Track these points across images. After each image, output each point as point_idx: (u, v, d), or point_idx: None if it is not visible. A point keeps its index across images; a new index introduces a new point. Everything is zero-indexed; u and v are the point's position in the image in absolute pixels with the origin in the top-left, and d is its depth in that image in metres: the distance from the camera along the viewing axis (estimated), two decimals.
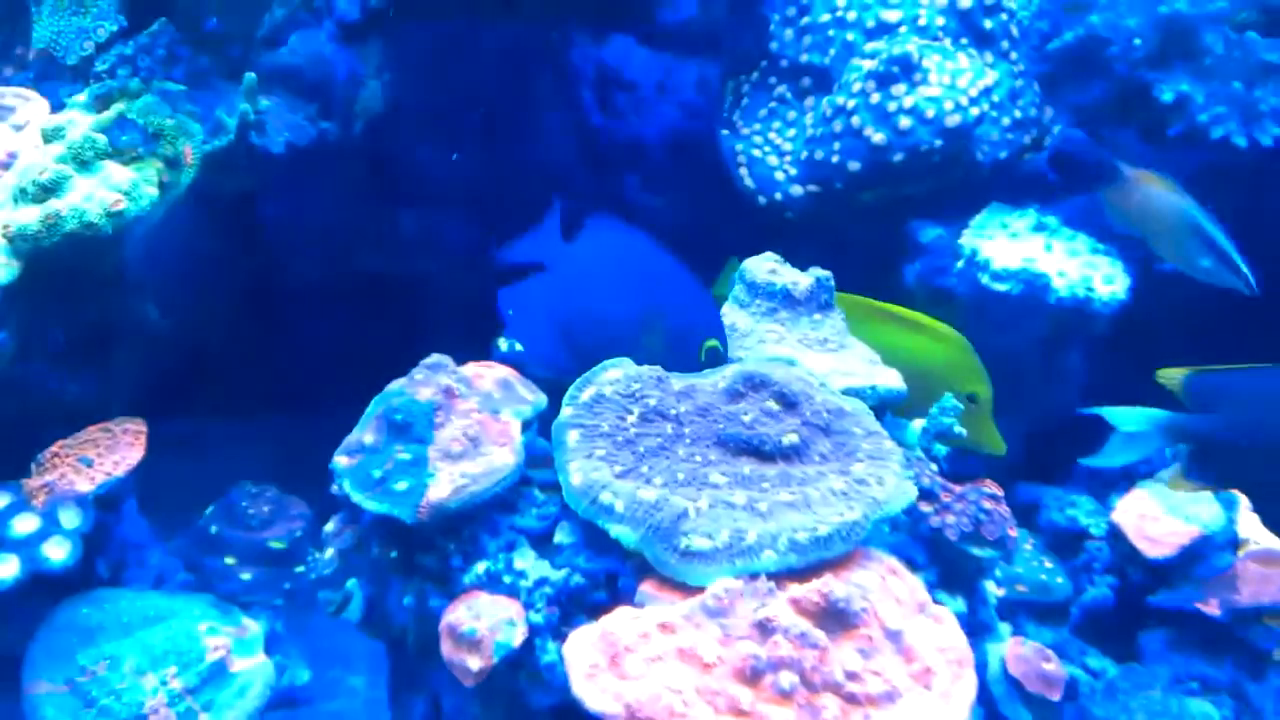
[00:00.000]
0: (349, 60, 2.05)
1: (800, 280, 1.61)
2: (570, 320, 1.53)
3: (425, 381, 1.42)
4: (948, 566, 1.40)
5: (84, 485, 1.48)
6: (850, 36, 2.03)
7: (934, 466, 1.46)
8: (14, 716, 1.38)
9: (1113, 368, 1.90)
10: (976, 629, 1.43)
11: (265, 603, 1.58)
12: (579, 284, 1.55)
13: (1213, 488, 1.58)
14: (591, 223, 1.60)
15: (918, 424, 1.52)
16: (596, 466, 1.29)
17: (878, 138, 1.88)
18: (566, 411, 1.36)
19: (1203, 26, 1.80)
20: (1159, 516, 1.66)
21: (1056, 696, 1.40)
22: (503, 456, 1.34)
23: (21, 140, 1.67)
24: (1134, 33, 1.83)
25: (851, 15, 2.04)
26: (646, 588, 1.21)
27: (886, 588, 1.20)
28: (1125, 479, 1.74)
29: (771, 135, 2.08)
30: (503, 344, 1.58)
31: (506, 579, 1.29)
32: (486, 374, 1.47)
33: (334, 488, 1.36)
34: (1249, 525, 1.67)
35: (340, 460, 1.36)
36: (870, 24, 2.03)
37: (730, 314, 1.59)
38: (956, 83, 1.90)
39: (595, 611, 1.22)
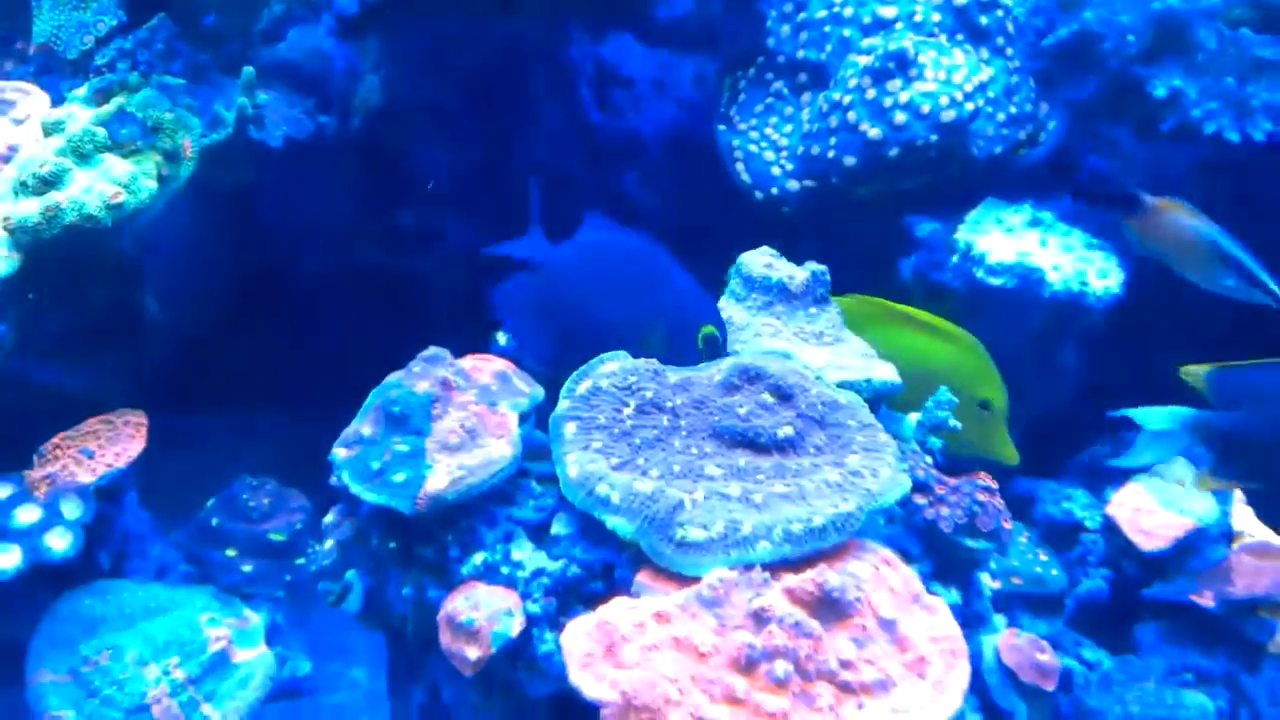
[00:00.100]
0: (347, 55, 2.06)
1: (796, 274, 1.62)
2: (566, 317, 1.53)
3: (423, 374, 1.43)
4: (942, 558, 1.41)
5: (85, 476, 1.49)
6: (847, 32, 2.04)
7: (929, 459, 1.47)
8: (18, 705, 1.39)
9: (1108, 362, 1.91)
10: (971, 620, 1.44)
11: (266, 594, 1.59)
12: (573, 281, 1.56)
13: (1239, 484, 1.58)
14: (584, 221, 1.61)
15: (913, 417, 1.53)
16: (593, 458, 1.30)
17: (873, 133, 1.89)
18: (563, 404, 1.37)
19: (1195, 22, 1.81)
20: (1154, 510, 1.67)
21: (1051, 687, 1.41)
22: (500, 448, 1.35)
23: (22, 134, 1.68)
24: (1127, 29, 1.84)
25: (848, 11, 2.05)
26: (643, 578, 1.22)
27: (881, 578, 1.21)
28: (1120, 473, 1.75)
29: (768, 131, 2.08)
30: (501, 338, 1.59)
31: (504, 570, 1.30)
32: (484, 367, 1.47)
33: (333, 479, 1.37)
34: (1243, 518, 1.69)
35: (339, 452, 1.37)
36: (866, 20, 2.03)
37: (726, 308, 1.60)
38: (952, 78, 1.90)
39: (592, 602, 1.23)
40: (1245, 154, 1.80)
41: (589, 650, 1.13)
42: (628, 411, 1.36)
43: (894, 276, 1.94)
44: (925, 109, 1.87)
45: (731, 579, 1.17)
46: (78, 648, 1.41)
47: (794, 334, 1.58)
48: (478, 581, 1.30)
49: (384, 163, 2.07)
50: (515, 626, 1.25)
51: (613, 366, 1.41)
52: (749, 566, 1.18)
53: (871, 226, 1.96)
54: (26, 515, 1.44)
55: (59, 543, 1.43)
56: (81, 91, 1.66)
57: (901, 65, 1.90)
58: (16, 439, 1.56)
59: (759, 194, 2.03)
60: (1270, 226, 1.73)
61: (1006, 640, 1.42)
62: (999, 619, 1.48)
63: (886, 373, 1.50)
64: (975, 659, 1.43)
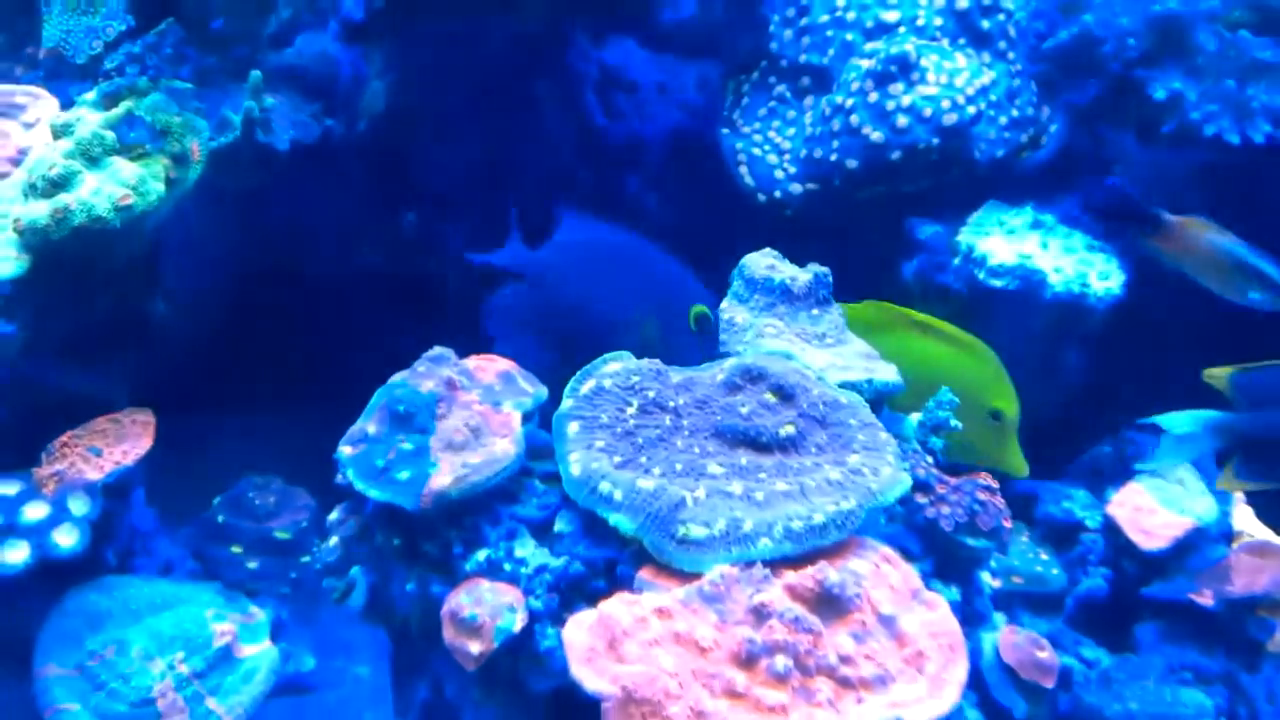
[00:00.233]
0: (353, 60, 2.07)
1: (799, 276, 1.63)
2: (558, 323, 1.55)
3: (428, 374, 1.44)
4: (943, 557, 1.42)
5: (93, 474, 1.50)
6: (849, 37, 2.05)
7: (929, 459, 1.48)
8: (25, 698, 1.41)
9: (1109, 363, 1.92)
10: (971, 618, 1.45)
11: (271, 591, 1.60)
12: (559, 286, 1.57)
13: (1264, 485, 1.59)
14: (560, 222, 1.62)
15: (915, 417, 1.53)
16: (596, 457, 1.31)
17: (876, 136, 1.90)
18: (567, 403, 1.38)
19: (1195, 25, 1.82)
20: (1154, 509, 1.67)
21: (1050, 684, 1.42)
22: (504, 447, 1.36)
23: (32, 138, 1.69)
24: (1128, 31, 1.85)
25: (850, 16, 2.07)
26: (645, 575, 1.23)
27: (880, 575, 1.22)
28: (1120, 470, 1.76)
29: (771, 134, 2.10)
30: None
31: (507, 566, 1.31)
32: (488, 367, 1.49)
33: (338, 477, 1.38)
34: (1243, 518, 1.69)
35: (344, 450, 1.38)
36: (869, 24, 2.05)
37: (729, 309, 1.61)
38: (954, 82, 1.92)
39: (594, 598, 1.23)
40: (1246, 157, 1.81)
41: (591, 645, 1.14)
42: (630, 411, 1.37)
43: (896, 278, 1.95)
44: (927, 112, 1.89)
45: (733, 575, 1.18)
46: (84, 642, 1.43)
47: (796, 335, 1.58)
48: (481, 578, 1.31)
49: (389, 167, 2.08)
50: (518, 622, 1.26)
51: (615, 366, 1.42)
52: (750, 563, 1.20)
53: (874, 229, 1.97)
54: (34, 512, 1.46)
55: (66, 539, 1.44)
56: (90, 95, 1.67)
57: (904, 69, 1.92)
58: (26, 438, 1.58)
59: (762, 197, 2.04)
60: (1272, 230, 1.75)
61: (1006, 637, 1.43)
62: (999, 617, 1.49)
63: (888, 373, 1.51)
64: (975, 656, 1.44)
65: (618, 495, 1.26)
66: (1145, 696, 1.50)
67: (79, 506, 1.47)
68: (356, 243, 2.08)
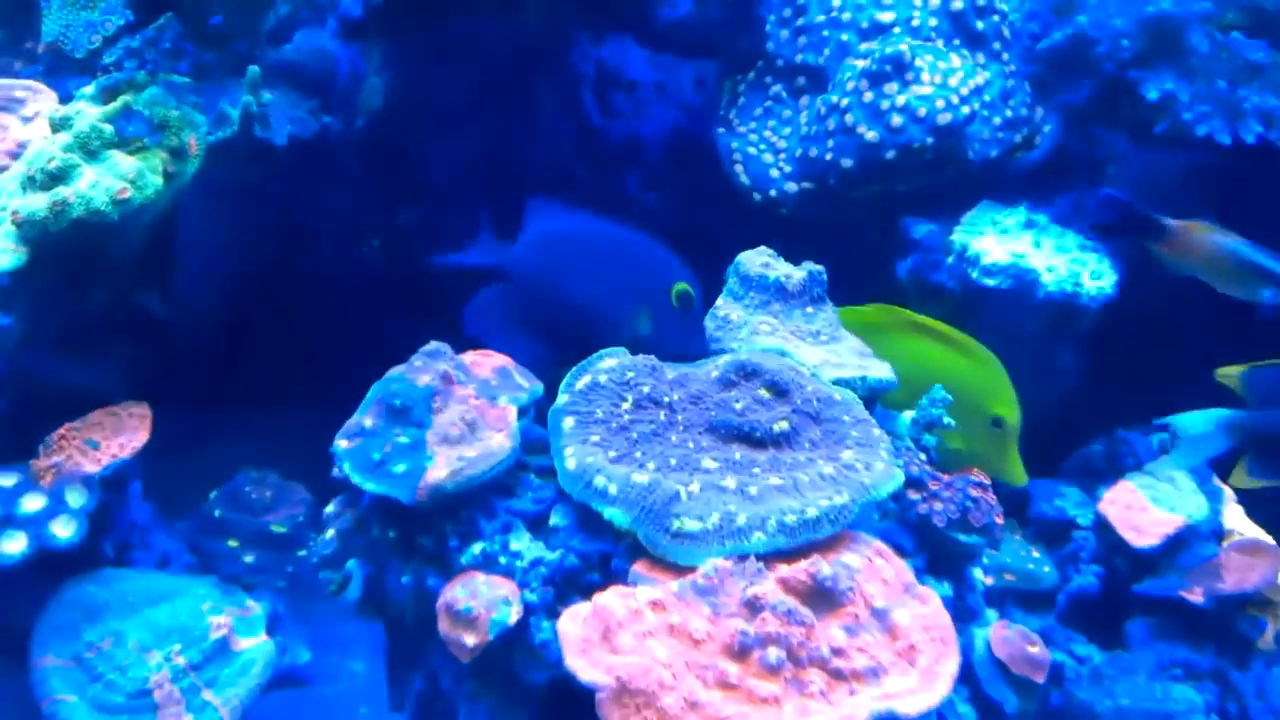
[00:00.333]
0: (351, 57, 2.08)
1: (793, 274, 1.63)
2: (542, 317, 1.55)
3: (424, 368, 1.45)
4: (935, 553, 1.43)
5: (90, 467, 1.51)
6: (845, 37, 2.06)
7: (922, 456, 1.49)
8: (22, 688, 1.41)
9: (1102, 363, 1.93)
10: (964, 614, 1.46)
11: (267, 585, 1.61)
12: (538, 280, 1.57)
13: (1276, 483, 1.59)
14: (530, 213, 1.62)
15: (908, 415, 1.54)
16: (591, 451, 1.32)
17: (870, 135, 1.91)
18: (562, 399, 1.39)
19: (1188, 27, 1.83)
20: (1145, 507, 1.68)
21: (1041, 679, 1.43)
22: (499, 441, 1.37)
23: (31, 132, 1.70)
24: (1121, 33, 1.87)
25: (846, 16, 2.08)
26: (639, 568, 1.24)
27: (873, 569, 1.22)
28: (1112, 471, 1.77)
29: (767, 133, 2.11)
30: None
31: (502, 560, 1.31)
32: (484, 362, 1.49)
33: (335, 471, 1.39)
34: (1234, 517, 1.70)
35: (341, 443, 1.39)
36: (864, 25, 2.06)
37: (724, 306, 1.62)
38: (948, 82, 1.93)
39: (589, 591, 1.24)
40: (1238, 158, 1.82)
41: (585, 636, 1.15)
42: (625, 406, 1.38)
43: (890, 277, 1.96)
44: (922, 112, 1.90)
45: (726, 568, 1.19)
46: (81, 634, 1.43)
47: (791, 332, 1.59)
48: (476, 571, 1.31)
49: (387, 163, 2.09)
50: (513, 614, 1.26)
51: (611, 363, 1.43)
52: (743, 557, 1.20)
53: (869, 228, 1.98)
54: (32, 503, 1.46)
55: (64, 530, 1.45)
56: (89, 90, 1.68)
57: (898, 69, 1.93)
58: (23, 430, 1.58)
59: (757, 195, 2.05)
60: (1266, 232, 1.76)
61: (997, 632, 1.44)
62: (991, 614, 1.50)
63: (882, 371, 1.51)
64: (967, 652, 1.45)
65: (612, 489, 1.27)
66: (1136, 692, 1.51)
67: (76, 499, 1.47)
68: (354, 239, 2.08)
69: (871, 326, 1.66)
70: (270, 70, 1.85)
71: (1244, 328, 1.74)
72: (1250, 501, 1.72)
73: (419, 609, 1.35)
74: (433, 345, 1.48)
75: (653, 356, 1.46)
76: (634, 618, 1.16)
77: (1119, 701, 1.50)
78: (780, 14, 2.16)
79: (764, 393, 1.39)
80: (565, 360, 1.42)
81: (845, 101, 1.95)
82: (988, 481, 1.47)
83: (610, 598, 1.18)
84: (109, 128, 1.56)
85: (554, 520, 1.34)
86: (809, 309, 1.62)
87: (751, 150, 2.09)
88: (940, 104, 1.90)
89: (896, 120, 1.90)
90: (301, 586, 1.66)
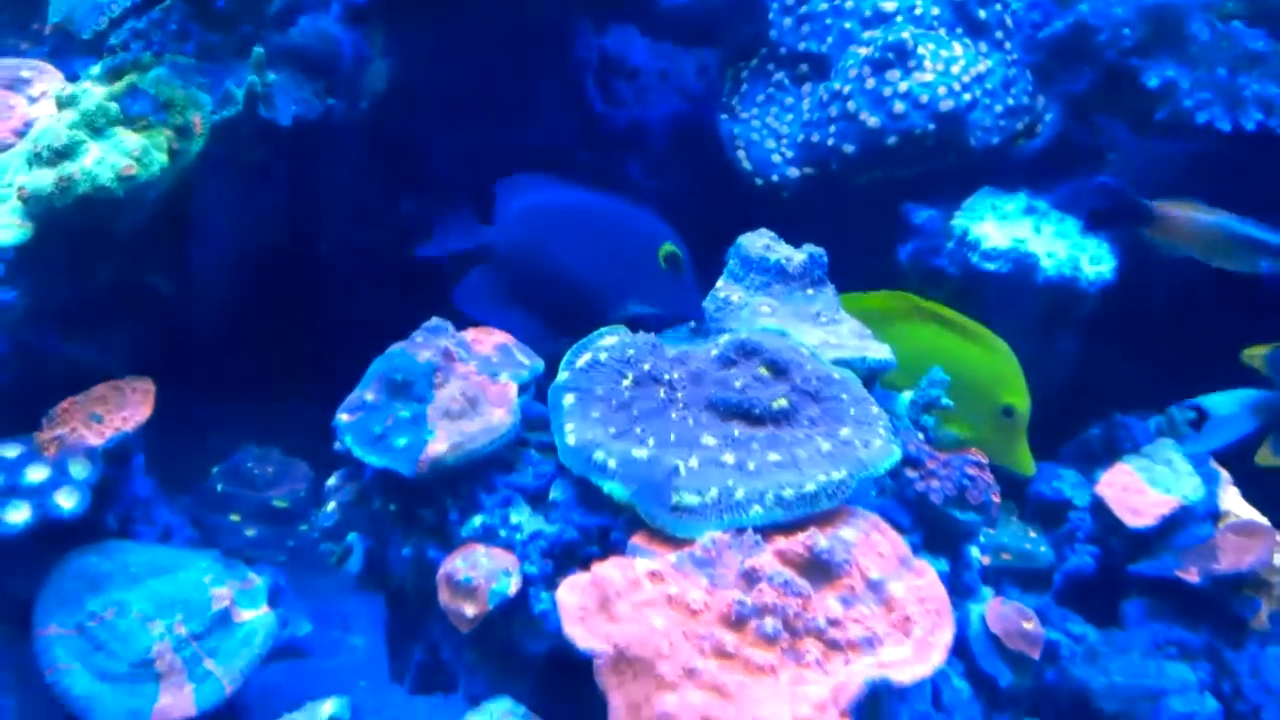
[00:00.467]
0: (355, 41, 2.09)
1: (794, 256, 1.64)
2: (534, 292, 1.56)
3: (425, 344, 1.46)
4: (932, 530, 1.44)
5: (93, 439, 1.52)
6: (848, 25, 2.07)
7: (920, 435, 1.49)
8: (26, 657, 1.43)
9: (1102, 348, 1.94)
10: (960, 591, 1.47)
11: (269, 559, 1.62)
12: (526, 255, 1.57)
13: None
14: (502, 191, 1.63)
15: (907, 395, 1.55)
16: (592, 427, 1.33)
17: (872, 121, 1.92)
18: (563, 376, 1.40)
19: (1189, 15, 1.84)
20: (1142, 488, 1.69)
21: (1036, 654, 1.44)
22: (500, 416, 1.38)
23: (37, 111, 1.72)
24: (1122, 21, 1.88)
25: (849, 4, 2.09)
26: (638, 541, 1.25)
27: (870, 542, 1.23)
28: (1109, 453, 1.78)
29: (769, 120, 2.12)
30: None
31: (502, 533, 1.32)
32: (485, 339, 1.50)
33: (336, 444, 1.40)
34: (1231, 499, 1.71)
35: (342, 417, 1.40)
36: (867, 13, 2.07)
37: (725, 288, 1.63)
38: (950, 69, 1.94)
39: (588, 564, 1.25)
40: (1238, 145, 1.83)
41: (583, 605, 1.16)
42: (626, 383, 1.39)
43: (891, 262, 1.97)
44: (924, 99, 1.91)
45: (724, 541, 1.20)
46: (85, 604, 1.45)
47: (791, 314, 1.60)
48: (477, 543, 1.32)
49: (391, 146, 2.10)
50: (513, 585, 1.27)
51: (611, 340, 1.44)
52: (741, 530, 1.21)
53: (870, 213, 1.99)
54: (36, 474, 1.48)
55: (67, 501, 1.46)
56: (95, 69, 1.69)
57: (901, 56, 1.94)
58: (28, 404, 1.59)
59: (759, 181, 2.06)
60: (1268, 219, 1.77)
61: (993, 608, 1.45)
62: (987, 591, 1.51)
63: (881, 352, 1.52)
64: (963, 628, 1.46)
65: (612, 464, 1.28)
66: (1130, 670, 1.52)
67: (79, 470, 1.49)
68: (357, 220, 2.09)
69: (882, 313, 1.66)
70: (275, 53, 1.86)
71: (1243, 313, 1.76)
72: (1247, 484, 1.73)
73: (419, 581, 1.36)
74: (434, 321, 1.50)
75: (653, 334, 1.47)
76: (632, 588, 1.17)
77: (1113, 679, 1.50)
78: (783, 1, 2.17)
79: (763, 371, 1.40)
80: (561, 333, 1.43)
81: (848, 88, 1.96)
82: (985, 460, 1.48)
83: (608, 568, 1.19)
84: (115, 106, 1.57)
85: (554, 495, 1.35)
86: (809, 291, 1.63)
87: (754, 136, 2.10)
88: (942, 91, 1.91)
89: (899, 107, 1.91)
90: (303, 560, 1.67)
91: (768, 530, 1.22)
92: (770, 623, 1.14)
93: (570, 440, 1.32)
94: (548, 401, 1.39)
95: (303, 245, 2.02)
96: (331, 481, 1.44)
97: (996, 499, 1.46)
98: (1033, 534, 1.74)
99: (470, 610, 1.27)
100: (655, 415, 1.36)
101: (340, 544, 1.41)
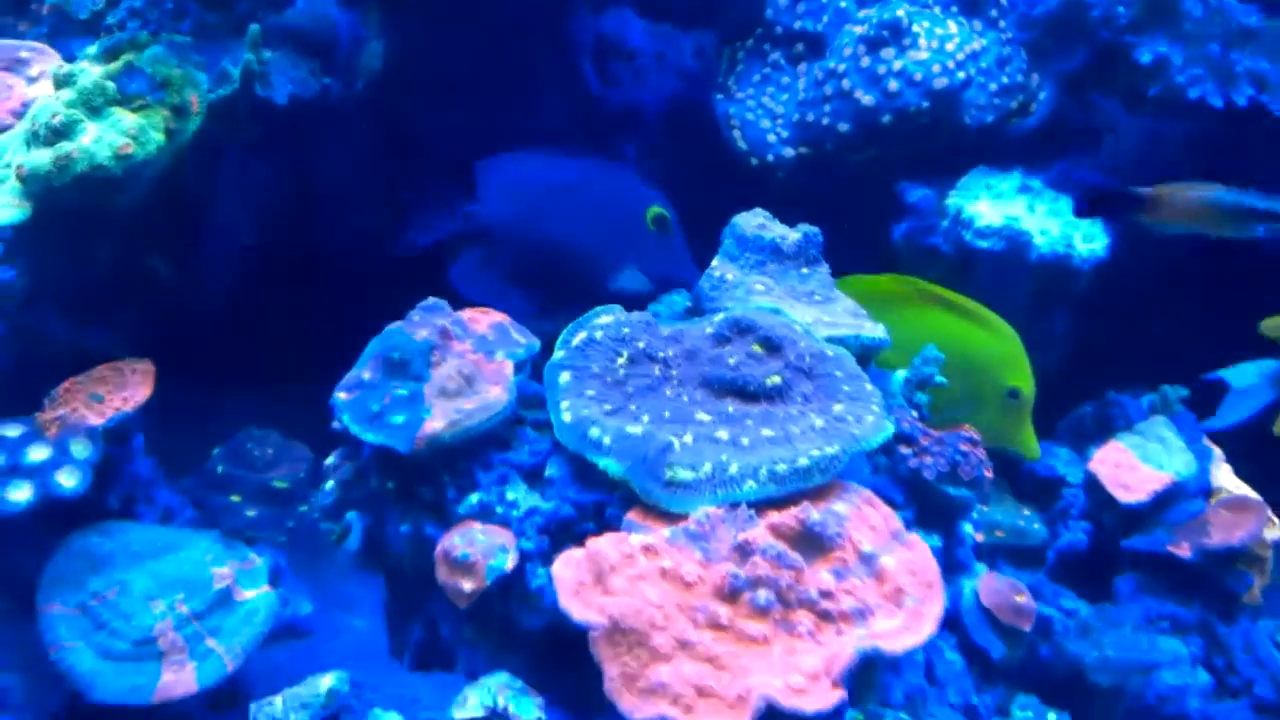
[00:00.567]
0: (352, 22, 2.09)
1: (789, 235, 1.65)
2: (528, 266, 1.56)
3: (422, 323, 1.47)
4: (925, 505, 1.45)
5: (94, 419, 1.53)
6: (843, 3, 2.08)
7: (914, 413, 1.50)
8: (29, 635, 1.44)
9: (1095, 326, 1.95)
10: (954, 567, 1.48)
11: (270, 540, 1.63)
12: (517, 230, 1.58)
13: None
14: (481, 171, 1.63)
15: (901, 373, 1.56)
16: (587, 404, 1.34)
17: (867, 100, 1.93)
18: (559, 354, 1.41)
19: None
20: (1134, 465, 1.71)
21: (1028, 627, 1.46)
22: (496, 394, 1.39)
23: (35, 92, 1.72)
24: None
25: None
26: (633, 516, 1.26)
27: (862, 516, 1.25)
28: (1102, 431, 1.79)
29: (765, 100, 2.12)
30: None
31: (499, 510, 1.34)
32: (482, 319, 1.51)
33: (335, 424, 1.41)
34: (1223, 475, 1.72)
35: (340, 395, 1.41)
36: None
37: (720, 267, 1.63)
38: (945, 47, 1.94)
39: (583, 540, 1.26)
40: (1230, 123, 1.83)
41: (579, 579, 1.17)
42: (621, 361, 1.40)
43: (886, 241, 1.98)
44: (918, 77, 1.91)
45: (718, 515, 1.21)
46: (87, 583, 1.46)
47: (785, 292, 1.61)
48: (474, 520, 1.34)
49: (388, 126, 2.10)
50: (509, 561, 1.29)
51: (607, 319, 1.45)
52: (735, 504, 1.23)
53: (865, 192, 2.00)
54: (37, 454, 1.48)
55: (68, 480, 1.47)
56: (92, 49, 1.69)
57: (895, 34, 1.94)
58: (28, 386, 1.60)
59: (755, 161, 2.07)
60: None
61: (985, 582, 1.46)
62: (980, 567, 1.52)
63: (875, 330, 1.53)
64: (956, 602, 1.47)
65: (607, 440, 1.29)
66: (1122, 643, 1.54)
67: (80, 449, 1.50)
68: (355, 201, 2.09)
69: (887, 296, 1.67)
70: (272, 32, 1.85)
71: (1235, 290, 1.76)
72: (1239, 460, 1.75)
73: (417, 558, 1.38)
74: (431, 300, 1.51)
75: (648, 313, 1.48)
76: (627, 562, 1.18)
77: (1106, 652, 1.52)
78: None
79: (757, 348, 1.41)
80: (559, 306, 1.44)
81: (843, 67, 1.97)
82: (978, 437, 1.49)
83: (603, 542, 1.20)
84: (112, 85, 1.57)
85: (550, 472, 1.36)
86: (804, 270, 1.64)
87: (749, 116, 2.11)
88: (936, 69, 1.92)
89: (893, 85, 1.92)
90: (303, 541, 1.68)
91: (761, 505, 1.24)
92: (763, 594, 1.15)
93: (566, 417, 1.33)
94: (543, 379, 1.40)
95: (301, 226, 2.02)
96: (330, 460, 1.45)
97: (989, 475, 1.47)
98: (1026, 511, 1.75)
99: (468, 586, 1.28)
100: (650, 392, 1.37)
101: (339, 522, 1.43)
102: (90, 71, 1.60)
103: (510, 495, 1.35)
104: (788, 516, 1.21)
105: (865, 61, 1.94)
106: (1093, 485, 1.73)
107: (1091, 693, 1.53)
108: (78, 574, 1.46)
